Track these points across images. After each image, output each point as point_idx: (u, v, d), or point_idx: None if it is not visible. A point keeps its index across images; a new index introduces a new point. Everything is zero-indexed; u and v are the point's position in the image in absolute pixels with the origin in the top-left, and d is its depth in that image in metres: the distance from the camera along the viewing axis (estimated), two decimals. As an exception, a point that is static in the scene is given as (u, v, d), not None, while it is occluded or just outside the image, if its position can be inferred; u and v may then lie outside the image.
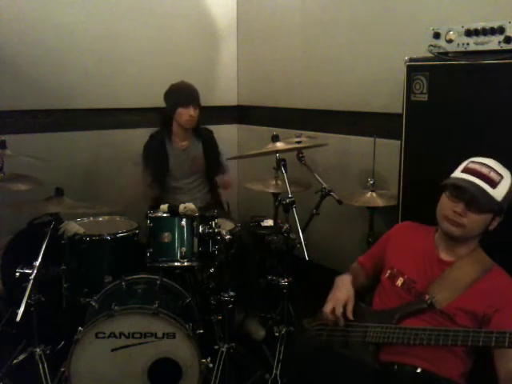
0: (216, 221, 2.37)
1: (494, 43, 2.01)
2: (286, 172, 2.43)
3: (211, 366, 2.21)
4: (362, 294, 2.06)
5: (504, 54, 1.99)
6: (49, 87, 3.34)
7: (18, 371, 2.36)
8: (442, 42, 2.17)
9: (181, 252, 2.39)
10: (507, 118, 2.03)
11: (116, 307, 2.09)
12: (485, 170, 1.74)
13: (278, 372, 2.36)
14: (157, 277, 2.39)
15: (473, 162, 1.79)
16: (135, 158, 3.08)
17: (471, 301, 1.74)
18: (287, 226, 2.37)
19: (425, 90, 2.27)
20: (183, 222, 2.41)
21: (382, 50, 3.01)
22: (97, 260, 2.58)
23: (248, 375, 2.48)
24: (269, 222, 3.27)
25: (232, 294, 2.25)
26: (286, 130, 3.37)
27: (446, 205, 1.79)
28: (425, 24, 2.32)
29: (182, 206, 2.39)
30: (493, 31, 2.01)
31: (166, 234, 2.40)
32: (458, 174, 1.80)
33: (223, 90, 4.12)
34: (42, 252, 2.16)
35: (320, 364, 1.78)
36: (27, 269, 2.10)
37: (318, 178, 2.99)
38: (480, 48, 2.06)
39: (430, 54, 2.23)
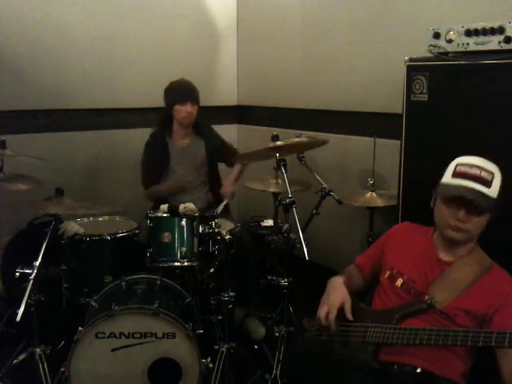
0: (216, 221, 2.37)
1: (493, 43, 2.01)
2: (285, 172, 2.43)
3: (211, 366, 2.21)
4: (362, 294, 2.05)
5: (504, 53, 1.99)
6: (49, 87, 3.34)
7: (18, 371, 2.35)
8: (441, 42, 2.17)
9: (181, 252, 2.39)
10: (507, 117, 2.03)
11: (116, 307, 2.09)
12: (476, 171, 1.73)
13: (278, 372, 2.36)
14: (157, 277, 2.39)
15: (460, 164, 1.77)
16: (135, 159, 3.08)
17: (471, 301, 1.74)
18: (287, 225, 2.36)
19: (425, 90, 2.27)
20: (183, 222, 2.41)
21: (382, 50, 3.01)
22: (97, 260, 2.58)
23: (248, 375, 2.48)
24: (269, 222, 3.27)
25: (232, 294, 2.25)
26: (286, 130, 3.37)
27: (446, 213, 1.78)
28: (425, 24, 2.32)
29: (182, 206, 2.39)
30: (493, 31, 2.01)
31: (166, 234, 2.40)
32: (449, 179, 1.78)
33: (223, 89, 4.13)
34: (42, 252, 2.16)
35: (320, 364, 1.78)
36: (27, 269, 2.10)
37: (318, 178, 2.99)
38: (480, 48, 2.06)
39: (429, 54, 2.23)
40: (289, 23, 3.65)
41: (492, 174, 1.73)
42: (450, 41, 2.15)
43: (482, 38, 2.05)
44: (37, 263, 2.11)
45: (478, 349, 1.72)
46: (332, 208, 3.00)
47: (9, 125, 3.20)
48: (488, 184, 1.71)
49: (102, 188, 3.57)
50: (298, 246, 2.24)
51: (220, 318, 2.59)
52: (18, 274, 2.10)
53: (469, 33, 2.08)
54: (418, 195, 2.29)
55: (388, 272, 1.94)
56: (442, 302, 1.76)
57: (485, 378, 1.80)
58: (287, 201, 2.29)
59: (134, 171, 3.08)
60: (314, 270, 2.90)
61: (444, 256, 1.85)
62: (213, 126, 3.30)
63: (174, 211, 2.40)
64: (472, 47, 2.08)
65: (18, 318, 1.96)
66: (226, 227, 2.56)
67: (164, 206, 2.43)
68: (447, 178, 1.79)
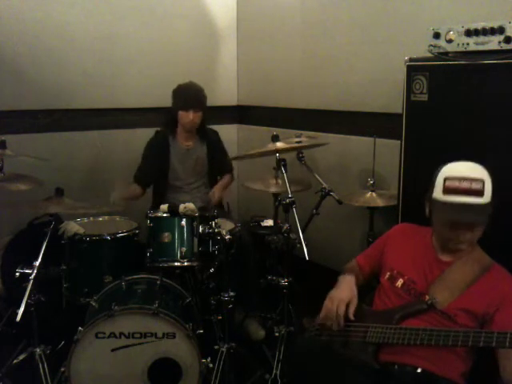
0: (216, 221, 2.37)
1: (493, 43, 2.01)
2: (285, 172, 2.43)
3: (211, 366, 2.21)
4: (362, 294, 2.05)
5: (504, 53, 1.99)
6: (49, 87, 3.34)
7: (18, 371, 2.35)
8: (441, 42, 2.17)
9: (181, 252, 2.39)
10: (507, 117, 2.03)
11: (116, 307, 2.09)
12: (466, 185, 1.70)
13: (278, 372, 2.36)
14: (157, 277, 2.39)
15: (449, 178, 1.74)
16: (135, 159, 3.08)
17: (471, 300, 1.74)
18: (287, 225, 2.36)
19: (425, 90, 2.27)
20: (183, 222, 2.41)
21: (382, 49, 3.01)
22: (97, 260, 2.58)
23: (248, 375, 2.48)
24: (269, 222, 3.27)
25: (232, 294, 2.25)
26: (286, 130, 3.37)
27: (446, 234, 1.79)
28: (425, 24, 2.32)
29: (182, 206, 2.39)
30: (493, 31, 2.01)
31: (166, 234, 2.40)
32: (440, 196, 1.75)
33: (223, 90, 4.12)
34: (42, 252, 2.16)
35: (320, 364, 1.78)
36: (27, 269, 2.10)
37: (318, 178, 2.99)
38: (480, 48, 2.06)
39: (429, 54, 2.23)
40: (289, 23, 3.65)
41: (482, 181, 1.71)
42: (449, 41, 2.15)
43: (481, 38, 2.05)
44: (37, 263, 2.11)
45: (478, 349, 1.72)
46: (332, 208, 3.00)
47: (9, 125, 3.20)
48: (480, 193, 1.70)
49: (102, 188, 3.56)
50: (298, 246, 2.24)
51: (220, 318, 2.59)
52: (17, 274, 2.10)
53: (469, 33, 2.08)
54: (418, 195, 2.29)
55: (388, 273, 1.94)
56: (443, 303, 1.76)
57: (485, 378, 1.80)
58: (287, 201, 2.29)
59: (134, 171, 3.08)
60: (314, 270, 2.91)
61: (443, 256, 1.85)
62: (213, 127, 3.30)
63: (174, 211, 2.40)
64: (472, 47, 2.08)
65: (18, 318, 1.96)
66: (226, 227, 2.56)
67: (164, 206, 2.43)
68: (438, 193, 1.76)
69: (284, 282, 2.44)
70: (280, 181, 2.88)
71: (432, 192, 1.79)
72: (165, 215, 2.43)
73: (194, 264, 2.42)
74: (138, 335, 2.11)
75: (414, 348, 1.72)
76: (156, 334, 2.11)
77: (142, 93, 3.63)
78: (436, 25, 2.20)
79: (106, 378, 2.13)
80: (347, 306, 1.87)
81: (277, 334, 2.47)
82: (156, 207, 2.56)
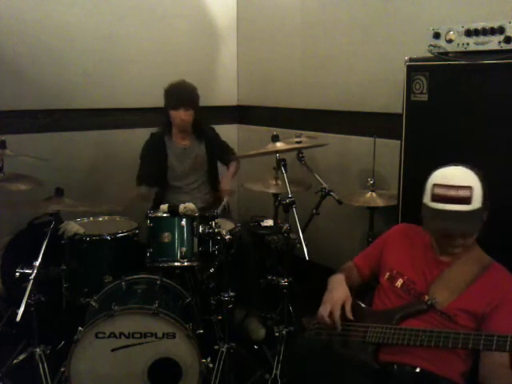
0: (216, 221, 2.37)
1: (493, 43, 2.01)
2: (285, 172, 2.43)
3: (211, 366, 2.22)
4: (362, 294, 2.05)
5: (504, 53, 1.99)
6: (49, 87, 3.34)
7: (18, 371, 2.35)
8: (441, 42, 2.17)
9: (181, 252, 2.39)
10: (507, 117, 2.03)
11: (116, 307, 2.09)
12: (453, 193, 1.70)
13: (278, 372, 2.36)
14: (157, 277, 2.39)
15: (437, 185, 1.74)
16: (135, 159, 3.08)
17: (471, 300, 1.74)
18: (287, 225, 2.36)
19: (425, 90, 2.27)
20: (183, 222, 2.41)
21: (382, 49, 3.01)
22: (97, 260, 2.58)
23: (248, 375, 2.48)
24: (269, 222, 3.27)
25: (232, 294, 2.25)
26: (286, 130, 3.37)
27: (437, 240, 1.82)
28: (425, 24, 2.32)
29: (182, 206, 2.39)
30: (493, 31, 2.01)
31: (166, 234, 2.40)
32: (429, 202, 1.76)
33: (223, 90, 4.12)
34: (42, 252, 2.16)
35: (320, 364, 1.78)
36: (27, 269, 2.10)
37: (318, 178, 2.99)
38: (480, 48, 2.06)
39: (429, 54, 2.23)
40: (289, 23, 3.65)
41: (469, 188, 1.70)
42: (450, 41, 2.15)
43: (481, 38, 2.05)
44: (37, 263, 2.11)
45: (478, 350, 1.72)
46: (332, 208, 3.00)
47: (9, 125, 3.20)
48: (468, 201, 1.69)
49: (102, 188, 3.56)
50: (298, 246, 2.24)
51: (220, 318, 2.59)
52: (17, 274, 2.10)
53: (469, 33, 2.08)
54: (418, 195, 2.29)
55: (388, 273, 1.94)
56: (442, 303, 1.76)
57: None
58: (287, 201, 2.29)
59: (134, 171, 3.07)
60: (314, 270, 2.90)
61: (443, 256, 1.85)
62: (213, 126, 3.30)
63: (174, 211, 2.40)
64: (472, 47, 2.08)
65: (18, 318, 1.96)
66: (226, 227, 2.56)
67: (164, 206, 2.43)
68: (427, 199, 1.77)
69: (284, 282, 2.44)
70: (280, 181, 2.88)
71: (423, 197, 1.81)
72: (165, 215, 2.43)
73: (194, 264, 2.42)
74: (138, 335, 2.11)
75: (413, 348, 1.71)
76: (156, 334, 2.11)
77: (142, 93, 3.63)
78: (436, 25, 2.20)
79: (105, 377, 2.13)
80: (343, 306, 1.87)
81: (277, 334, 2.46)
82: (156, 207, 2.56)
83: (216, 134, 3.25)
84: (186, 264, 2.40)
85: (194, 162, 3.11)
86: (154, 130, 3.16)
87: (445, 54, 2.19)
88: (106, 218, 2.89)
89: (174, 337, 2.11)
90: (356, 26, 3.18)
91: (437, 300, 1.77)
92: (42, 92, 3.33)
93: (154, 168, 3.05)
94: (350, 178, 3.33)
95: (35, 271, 2.09)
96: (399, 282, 1.88)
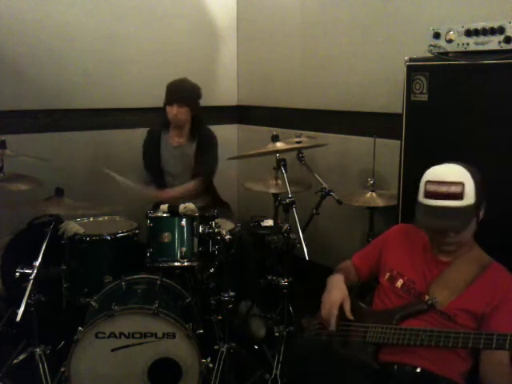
0: (216, 221, 2.37)
1: (493, 43, 2.01)
2: (285, 172, 2.43)
3: (211, 366, 2.21)
4: (362, 294, 2.05)
5: (504, 53, 1.99)
6: (49, 87, 3.34)
7: (18, 371, 2.35)
8: (441, 42, 2.17)
9: (181, 252, 2.39)
10: (507, 117, 2.03)
11: (116, 307, 2.09)
12: (444, 189, 1.71)
13: (278, 372, 2.36)
14: (157, 277, 2.39)
15: (429, 182, 1.75)
16: (135, 159, 3.08)
17: (471, 300, 1.74)
18: (287, 225, 2.36)
19: (425, 90, 2.27)
20: (183, 222, 2.41)
21: (382, 49, 3.01)
22: (97, 260, 2.58)
23: (248, 375, 2.48)
24: (269, 222, 3.27)
25: (232, 294, 2.25)
26: (286, 130, 3.37)
27: (431, 234, 1.83)
28: (425, 24, 2.32)
29: (182, 206, 2.39)
30: (493, 31, 2.01)
31: (166, 234, 2.40)
32: (422, 198, 1.77)
33: (223, 90, 4.12)
34: (42, 252, 2.16)
35: (320, 364, 1.78)
36: (27, 269, 2.10)
37: (318, 178, 2.99)
38: (480, 48, 2.06)
39: (429, 54, 2.23)
40: (289, 23, 3.65)
41: (461, 184, 1.70)
42: (450, 41, 2.15)
43: (481, 38, 2.05)
44: (37, 263, 2.11)
45: (478, 349, 1.72)
46: (332, 208, 3.00)
47: (9, 125, 3.20)
48: (459, 196, 1.70)
49: (102, 188, 3.56)
50: (298, 246, 2.24)
51: (220, 317, 2.59)
52: (17, 274, 2.10)
53: (469, 33, 2.08)
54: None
55: (388, 274, 1.94)
56: (443, 303, 1.76)
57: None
58: (287, 201, 2.29)
59: (135, 171, 3.08)
60: (314, 270, 2.90)
61: (442, 256, 1.85)
62: (213, 127, 3.29)
63: (174, 211, 2.41)
64: (472, 47, 2.08)
65: (18, 318, 1.96)
66: (226, 227, 2.56)
67: (164, 206, 2.44)
68: (420, 196, 1.78)
69: (284, 282, 2.44)
70: (280, 181, 2.88)
71: (417, 195, 1.81)
72: (165, 215, 2.44)
73: (194, 264, 2.42)
74: (138, 335, 2.11)
75: (413, 348, 1.71)
76: (156, 334, 2.11)
77: (142, 93, 3.63)
78: (436, 25, 2.20)
79: (106, 377, 2.13)
80: (342, 306, 1.87)
81: (277, 334, 2.46)
82: (156, 207, 2.56)
83: (211, 138, 3.11)
84: (186, 264, 2.40)
85: (185, 161, 3.08)
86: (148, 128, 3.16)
87: (445, 54, 2.19)
88: (106, 218, 2.89)
89: (174, 337, 2.11)
90: (356, 26, 3.18)
91: (437, 300, 1.77)
92: (42, 92, 3.32)
93: (151, 164, 3.06)
94: (349, 178, 3.33)
95: (35, 271, 2.09)
96: (399, 283, 1.88)
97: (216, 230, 2.30)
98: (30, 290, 2.05)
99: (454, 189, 1.70)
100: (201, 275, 2.69)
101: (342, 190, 3.04)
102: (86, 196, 3.16)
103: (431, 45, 2.20)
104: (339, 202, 2.86)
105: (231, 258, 2.32)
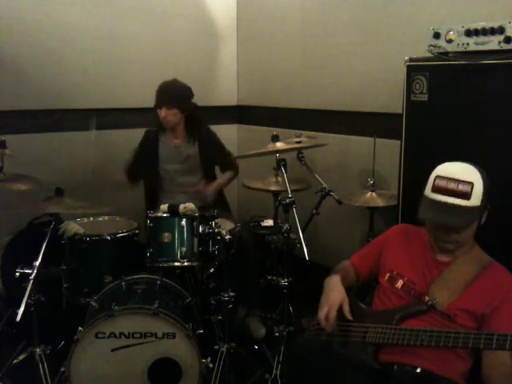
0: (216, 221, 2.37)
1: (493, 43, 2.01)
2: (285, 172, 2.43)
3: (211, 366, 2.22)
4: (362, 294, 2.05)
5: (504, 53, 1.99)
6: (49, 87, 3.34)
7: (18, 371, 2.36)
8: (441, 42, 2.17)
9: (181, 252, 2.39)
10: (507, 118, 2.03)
11: (116, 307, 2.09)
12: (452, 186, 1.71)
13: (278, 372, 2.36)
14: (157, 277, 2.39)
15: (439, 177, 1.75)
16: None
17: (471, 300, 1.74)
18: (287, 225, 2.36)
19: (425, 90, 2.27)
20: (183, 222, 2.41)
21: (382, 49, 3.01)
22: (97, 260, 2.58)
23: (248, 375, 2.48)
24: (269, 222, 3.27)
25: (232, 294, 2.25)
26: (286, 130, 3.37)
27: (432, 233, 1.82)
28: (425, 24, 2.32)
29: (182, 206, 2.39)
30: (493, 31, 2.01)
31: (166, 234, 2.40)
32: (429, 192, 1.77)
33: (223, 90, 4.12)
34: (42, 252, 2.16)
35: (320, 364, 1.78)
36: (27, 269, 2.10)
37: (318, 178, 2.99)
38: (480, 48, 2.06)
39: (430, 54, 2.23)
40: (289, 23, 3.65)
41: (470, 183, 1.70)
42: (450, 41, 2.15)
43: (481, 38, 2.05)
44: (37, 263, 2.12)
45: (478, 349, 1.72)
46: (332, 208, 3.00)
47: (9, 125, 3.20)
48: (467, 196, 1.69)
49: (102, 188, 3.56)
50: (298, 246, 2.24)
51: (220, 317, 2.59)
52: (17, 274, 2.10)
53: (469, 33, 2.08)
54: (418, 195, 2.30)
55: (388, 274, 1.94)
56: (443, 303, 1.76)
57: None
58: (287, 201, 2.29)
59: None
60: (314, 270, 2.90)
61: (442, 256, 1.85)
62: (213, 127, 3.29)
63: (174, 211, 2.40)
64: (472, 47, 2.08)
65: (18, 318, 1.96)
66: (226, 227, 2.56)
67: (164, 206, 2.43)
68: (428, 190, 1.78)
69: (284, 282, 2.44)
70: (280, 181, 2.88)
71: (424, 189, 1.81)
72: (165, 215, 2.43)
73: (194, 264, 2.42)
74: (138, 335, 2.11)
75: (413, 348, 1.71)
76: (156, 334, 2.11)
77: (142, 93, 3.60)
78: (436, 25, 2.20)
79: (105, 377, 2.13)
80: (341, 307, 1.87)
81: (277, 334, 2.47)
82: (151, 207, 2.55)
83: (211, 136, 3.17)
84: (186, 264, 2.40)
85: (186, 162, 3.08)
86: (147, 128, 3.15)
87: (445, 54, 2.19)
88: (106, 218, 2.89)
89: (174, 337, 2.11)
90: (356, 26, 3.18)
91: (437, 300, 1.76)
92: (42, 92, 3.33)
93: (140, 164, 3.05)
94: (350, 178, 3.34)
95: (35, 271, 2.09)
96: (399, 283, 1.88)
97: (216, 230, 2.30)
98: (30, 290, 2.06)
99: (462, 187, 1.70)
100: (201, 275, 2.69)
101: (342, 190, 3.04)
102: (85, 196, 3.16)
103: (431, 45, 2.20)
104: (339, 202, 2.86)
105: (231, 258, 2.32)
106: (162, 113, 2.93)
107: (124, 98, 3.62)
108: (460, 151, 2.02)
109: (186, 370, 2.14)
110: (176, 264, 2.40)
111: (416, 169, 2.34)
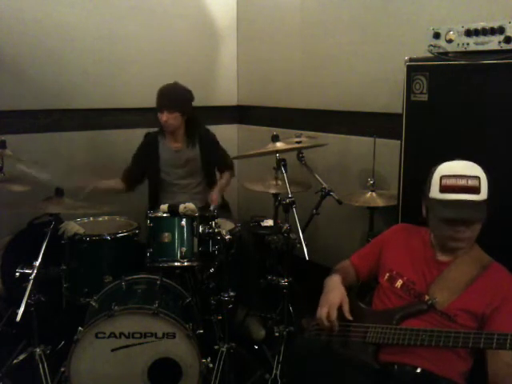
0: (216, 221, 2.37)
1: (494, 43, 2.01)
2: (285, 172, 2.43)
3: (211, 366, 2.22)
4: (362, 294, 2.05)
5: (504, 53, 1.99)
6: (49, 87, 3.34)
7: (18, 371, 2.36)
8: (442, 42, 2.17)
9: (181, 252, 2.39)
10: (507, 118, 2.03)
11: (116, 307, 2.09)
12: (462, 182, 1.71)
13: (278, 372, 2.36)
14: (157, 277, 2.39)
15: (445, 176, 1.75)
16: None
17: (471, 300, 1.74)
18: (287, 225, 2.36)
19: (425, 90, 2.27)
20: (183, 222, 2.41)
21: (382, 49, 3.01)
22: (97, 260, 2.58)
23: (248, 375, 2.48)
24: (269, 222, 3.27)
25: (232, 294, 2.25)
26: (286, 130, 3.37)
27: (444, 231, 1.78)
28: (425, 24, 2.32)
29: (182, 206, 2.39)
30: (493, 31, 2.01)
31: (166, 234, 2.40)
32: (437, 194, 1.76)
33: (223, 90, 4.12)
34: (42, 252, 2.16)
35: (320, 364, 1.78)
36: (27, 269, 2.10)
37: (318, 178, 2.99)
38: (480, 48, 2.06)
39: (430, 54, 2.23)
40: (289, 23, 3.65)
41: (478, 178, 1.71)
42: (450, 41, 2.15)
43: (481, 38, 2.05)
44: (37, 263, 2.11)
45: (478, 349, 1.72)
46: (332, 208, 3.00)
47: (9, 125, 3.20)
48: (477, 191, 1.70)
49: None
50: (298, 246, 2.24)
51: (220, 317, 2.59)
52: (18, 274, 2.10)
53: (469, 33, 2.08)
54: (418, 195, 2.29)
55: (387, 274, 1.94)
56: (442, 303, 1.76)
57: (485, 378, 1.79)
58: (287, 201, 2.29)
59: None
60: (314, 270, 2.90)
61: (442, 256, 1.85)
62: (213, 127, 3.29)
63: (174, 211, 2.40)
64: (472, 47, 2.08)
65: (18, 318, 1.96)
66: (226, 227, 2.56)
67: (164, 206, 2.43)
68: (435, 192, 1.76)
69: (284, 282, 2.44)
70: (280, 181, 2.88)
71: (428, 192, 1.80)
72: (165, 215, 2.43)
73: (194, 264, 2.42)
74: (138, 335, 2.11)
75: (414, 348, 1.71)
76: (156, 334, 2.11)
77: (142, 93, 3.62)
78: (436, 25, 2.20)
79: (105, 377, 2.13)
80: (341, 307, 1.86)
81: (277, 334, 2.47)
82: (153, 207, 2.55)
83: (212, 138, 3.17)
84: (186, 264, 2.40)
85: (187, 165, 3.08)
86: (152, 130, 3.15)
87: (445, 54, 2.19)
88: (106, 218, 2.89)
89: (174, 337, 2.11)
90: (356, 25, 3.18)
91: (437, 300, 1.76)
92: (42, 92, 3.32)
93: (142, 169, 3.06)
94: (350, 177, 3.33)
95: (35, 271, 2.09)
96: (399, 283, 1.88)
97: (216, 230, 2.30)
98: (30, 290, 2.05)
99: (471, 182, 1.71)
100: (201, 275, 2.69)
101: (342, 189, 3.04)
102: (85, 196, 3.16)
103: (431, 45, 2.20)
104: (339, 202, 2.86)
105: (231, 258, 2.32)
106: (164, 116, 2.93)
107: (124, 97, 3.62)
108: (460, 151, 2.01)
109: (186, 370, 2.14)
110: (176, 264, 2.40)
111: (416, 169, 2.34)
